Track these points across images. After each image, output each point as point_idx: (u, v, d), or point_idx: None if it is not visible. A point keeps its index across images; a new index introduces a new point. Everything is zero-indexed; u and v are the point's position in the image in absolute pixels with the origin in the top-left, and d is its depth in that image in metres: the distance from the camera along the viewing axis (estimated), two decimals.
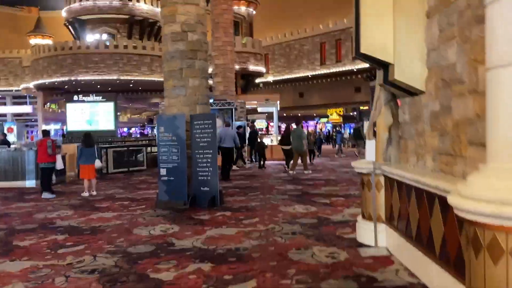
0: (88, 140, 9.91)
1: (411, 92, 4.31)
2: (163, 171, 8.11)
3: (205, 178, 7.94)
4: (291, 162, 13.52)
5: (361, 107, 32.54)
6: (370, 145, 4.73)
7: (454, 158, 3.45)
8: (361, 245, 5.03)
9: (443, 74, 3.63)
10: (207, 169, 7.93)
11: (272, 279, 3.98)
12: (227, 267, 4.34)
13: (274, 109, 19.75)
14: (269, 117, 29.85)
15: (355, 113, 38.18)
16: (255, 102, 19.26)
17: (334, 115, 39.49)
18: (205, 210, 7.46)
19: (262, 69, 23.35)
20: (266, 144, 16.25)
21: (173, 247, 5.18)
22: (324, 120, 42.20)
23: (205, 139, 7.97)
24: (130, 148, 15.28)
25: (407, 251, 4.16)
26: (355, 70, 26.04)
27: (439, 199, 3.37)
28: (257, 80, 28.53)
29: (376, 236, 4.78)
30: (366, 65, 25.02)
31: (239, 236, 5.62)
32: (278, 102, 19.19)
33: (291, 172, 13.12)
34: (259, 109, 20.48)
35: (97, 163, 9.90)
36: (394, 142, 5.01)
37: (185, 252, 4.94)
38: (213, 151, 7.91)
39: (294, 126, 16.05)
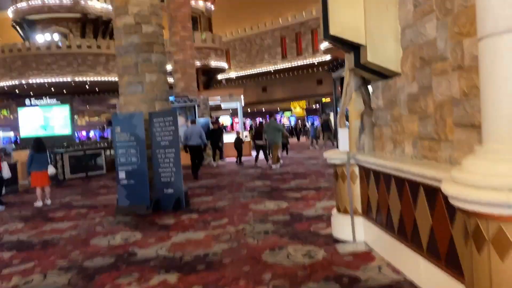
0: (38, 145, 9.13)
1: (384, 75, 4.02)
2: (122, 175, 7.53)
3: (168, 179, 7.44)
4: (270, 156, 13.51)
5: (324, 99, 32.66)
6: (342, 134, 4.42)
7: (437, 142, 3.18)
8: (338, 240, 4.73)
9: (421, 52, 3.35)
10: (169, 170, 7.43)
11: (245, 287, 3.59)
12: (195, 277, 3.92)
13: (238, 105, 19.32)
14: (233, 113, 29.44)
15: (317, 105, 38.38)
16: (218, 97, 18.76)
17: (298, 108, 39.57)
18: (169, 214, 6.97)
19: (223, 64, 22.87)
20: (243, 140, 15.96)
21: (135, 258, 4.69)
22: (288, 114, 42.22)
23: (166, 138, 7.46)
24: (88, 152, 14.44)
25: (389, 245, 3.88)
26: (316, 63, 26.02)
27: (424, 188, 3.08)
28: (219, 76, 28.02)
29: (354, 231, 4.49)
30: (327, 58, 25.09)
31: (207, 240, 5.19)
32: (242, 97, 18.78)
33: (274, 166, 13.00)
34: (223, 105, 19.99)
35: (50, 170, 9.15)
36: (367, 129, 4.73)
37: (149, 263, 4.46)
38: (175, 150, 7.41)
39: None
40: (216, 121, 16.70)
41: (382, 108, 4.23)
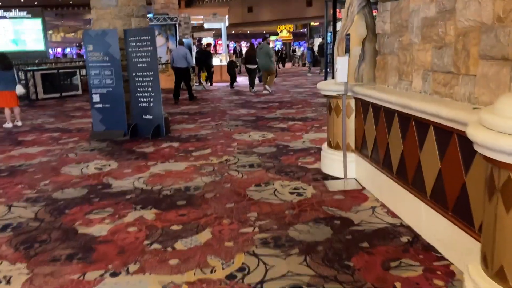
0: (3, 61, 8.34)
1: None
2: (96, 97, 6.97)
3: (147, 104, 6.92)
4: (265, 81, 13.23)
5: (312, 23, 31.32)
6: (342, 63, 3.93)
7: (455, 77, 2.76)
8: (328, 176, 4.46)
9: None
10: (148, 94, 6.88)
11: (229, 227, 3.31)
12: (175, 214, 3.62)
13: (222, 25, 18.20)
14: (216, 35, 28.01)
15: (305, 30, 36.92)
16: (201, 17, 17.56)
17: (284, 32, 38.04)
18: (148, 142, 6.57)
19: None
20: (237, 64, 15.53)
21: (110, 190, 4.35)
22: (274, 38, 40.62)
23: (143, 59, 6.81)
24: (62, 70, 13.54)
25: (384, 186, 3.60)
26: None
27: (435, 128, 2.71)
28: None
29: (346, 167, 4.20)
30: None
31: (189, 172, 4.86)
32: (227, 17, 17.63)
33: (265, 91, 12.79)
34: (206, 26, 18.81)
35: (19, 89, 8.46)
36: (368, 58, 4.25)
37: (124, 196, 4.13)
38: (154, 73, 6.81)
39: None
40: (207, 44, 15.85)
41: (389, 33, 3.72)
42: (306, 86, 14.66)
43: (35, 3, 27.99)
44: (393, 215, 3.40)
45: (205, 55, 14.89)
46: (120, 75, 6.85)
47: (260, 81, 14.34)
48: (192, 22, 18.06)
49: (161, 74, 15.77)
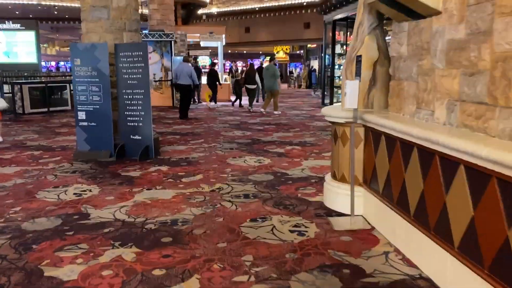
0: None
1: (416, 13, 3.10)
2: (81, 115, 6.52)
3: (136, 124, 6.48)
4: (264, 101, 13.41)
5: (309, 45, 31.32)
6: (351, 87, 3.54)
7: (491, 109, 2.36)
8: (332, 212, 4.02)
9: None
10: (137, 113, 6.45)
11: (221, 274, 2.83)
12: (158, 255, 3.13)
13: (219, 44, 17.95)
14: (212, 54, 27.82)
15: (301, 51, 36.98)
16: (198, 35, 17.30)
17: (281, 53, 38.07)
18: (136, 164, 6.10)
19: None
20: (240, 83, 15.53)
21: (87, 221, 3.86)
22: (268, 58, 40.61)
23: (134, 76, 6.40)
24: (51, 84, 13.08)
25: (399, 228, 3.17)
26: (305, 3, 24.41)
27: (468, 169, 2.30)
28: (200, 12, 26.12)
29: (353, 203, 3.76)
30: None
31: (177, 201, 4.39)
32: (224, 36, 17.39)
33: (263, 110, 12.85)
34: (202, 44, 18.56)
35: (1, 103, 8.00)
36: (379, 83, 3.87)
37: (102, 229, 3.65)
38: (145, 90, 6.39)
39: (256, 63, 15.17)
40: (213, 63, 15.87)
41: (406, 57, 3.35)
42: (303, 108, 14.33)
43: (30, 15, 27.71)
44: (410, 263, 2.95)
45: (211, 74, 14.95)
46: (108, 92, 6.42)
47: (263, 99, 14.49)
48: (188, 40, 17.81)
49: (155, 92, 15.48)
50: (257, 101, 15.73)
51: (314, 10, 24.77)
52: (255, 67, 17.51)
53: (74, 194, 4.69)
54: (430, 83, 2.98)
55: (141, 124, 6.45)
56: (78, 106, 6.52)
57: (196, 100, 16.47)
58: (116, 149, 6.41)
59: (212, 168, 5.84)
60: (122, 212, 4.08)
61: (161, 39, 14.37)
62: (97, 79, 6.40)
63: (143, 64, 6.33)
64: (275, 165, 6.01)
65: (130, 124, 6.51)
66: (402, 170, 3.10)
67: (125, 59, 6.42)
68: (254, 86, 13.55)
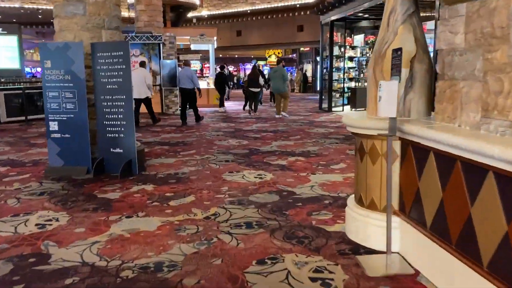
0: None
1: None
2: (53, 125, 5.63)
3: (116, 135, 5.61)
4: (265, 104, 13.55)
5: (302, 48, 30.61)
6: (388, 90, 2.72)
7: None
8: (358, 247, 3.18)
9: None
10: (118, 123, 5.58)
11: None
12: None
13: (210, 47, 17.11)
14: (203, 58, 26.95)
15: (294, 55, 36.29)
16: (188, 37, 16.44)
17: (273, 57, 37.32)
18: (116, 182, 5.22)
19: (195, 0, 20.25)
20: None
21: (46, 266, 2.98)
22: (262, 62, 39.89)
23: (114, 80, 5.54)
24: (30, 91, 12.12)
25: (462, 279, 2.34)
26: (298, 5, 23.69)
27: None
28: (190, 15, 25.28)
29: (390, 240, 2.93)
30: (311, 0, 22.81)
31: (163, 234, 3.52)
32: (215, 38, 16.56)
33: (280, 115, 12.46)
34: (193, 47, 17.70)
35: None
36: (417, 84, 3.07)
37: (64, 280, 2.77)
38: (126, 96, 5.53)
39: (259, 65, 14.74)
40: (221, 67, 15.61)
41: (464, 49, 2.53)
42: (300, 113, 13.54)
43: (14, 20, 26.66)
44: None
45: (220, 78, 14.86)
46: (84, 99, 5.55)
47: (261, 103, 14.49)
48: (178, 43, 16.97)
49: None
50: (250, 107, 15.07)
51: (308, 12, 24.07)
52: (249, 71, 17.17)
53: (36, 225, 3.79)
54: (509, 83, 2.17)
55: (122, 135, 5.57)
56: (49, 115, 5.63)
57: (187, 107, 15.57)
58: (93, 165, 5.53)
59: (205, 186, 4.98)
60: (92, 251, 3.20)
61: (148, 41, 13.49)
62: (71, 84, 5.52)
63: (124, 66, 5.47)
64: (278, 181, 5.17)
65: (109, 135, 5.63)
66: (467, 202, 2.28)
67: (103, 61, 5.55)
68: (257, 90, 13.39)
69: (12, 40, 23.04)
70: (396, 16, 3.11)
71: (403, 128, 2.87)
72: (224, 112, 14.75)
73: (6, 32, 23.01)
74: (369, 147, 3.18)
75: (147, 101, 10.83)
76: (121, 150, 5.59)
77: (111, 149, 5.64)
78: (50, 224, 3.79)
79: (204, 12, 27.04)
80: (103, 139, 5.68)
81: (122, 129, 5.56)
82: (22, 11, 24.64)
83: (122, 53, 5.46)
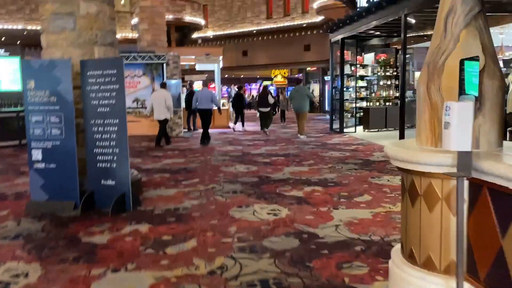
0: None
1: None
2: (36, 154, 4.93)
3: (108, 165, 4.89)
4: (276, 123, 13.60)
5: (309, 68, 30.12)
6: (460, 114, 1.99)
7: None
8: None
9: None
10: (110, 151, 4.87)
11: None
12: None
13: (215, 67, 16.58)
14: (209, 79, 26.45)
15: (300, 75, 35.83)
16: (193, 57, 15.93)
17: (279, 77, 36.92)
18: (106, 220, 4.47)
19: (200, 20, 19.91)
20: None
21: None
22: (268, 82, 39.44)
23: (106, 102, 4.86)
24: (22, 114, 11.46)
25: None
26: (305, 25, 23.27)
27: None
28: (195, 35, 24.95)
29: None
30: (318, 19, 22.40)
31: None
32: (221, 57, 16.04)
33: (302, 136, 12.06)
34: (198, 67, 17.18)
35: None
36: (488, 105, 2.33)
37: None
38: (120, 120, 4.83)
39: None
40: (239, 87, 15.74)
41: None
42: (310, 135, 12.81)
43: (18, 42, 26.49)
44: None
45: (238, 99, 15.06)
46: (72, 124, 4.86)
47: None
48: (183, 63, 16.49)
49: (144, 120, 13.98)
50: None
51: (315, 32, 23.67)
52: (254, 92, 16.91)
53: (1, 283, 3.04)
54: None
55: (114, 165, 4.86)
56: (32, 143, 4.94)
57: (192, 128, 14.95)
58: (82, 199, 4.80)
59: (210, 226, 4.22)
60: None
61: (151, 61, 12.94)
62: (57, 107, 4.85)
63: (117, 86, 4.79)
64: (296, 218, 4.40)
65: (100, 165, 4.92)
66: None
67: (93, 80, 4.89)
68: (267, 109, 13.23)
69: (14, 62, 22.79)
70: (457, 19, 2.40)
71: (479, 166, 2.12)
72: (240, 131, 14.58)
73: (8, 53, 22.78)
74: (424, 188, 2.42)
75: (163, 123, 10.75)
76: (113, 182, 4.87)
77: (102, 181, 4.91)
78: (16, 282, 3.03)
79: (210, 33, 26.73)
80: (93, 169, 4.97)
81: (115, 158, 4.85)
82: (25, 33, 24.43)
83: (115, 71, 4.79)
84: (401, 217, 2.71)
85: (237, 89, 15.74)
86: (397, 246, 2.81)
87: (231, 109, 18.74)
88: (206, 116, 11.07)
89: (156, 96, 10.63)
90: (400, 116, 9.14)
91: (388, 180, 6.20)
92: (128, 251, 3.59)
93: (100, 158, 4.91)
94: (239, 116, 15.12)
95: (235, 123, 15.29)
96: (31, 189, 5.00)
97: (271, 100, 13.32)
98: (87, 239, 3.91)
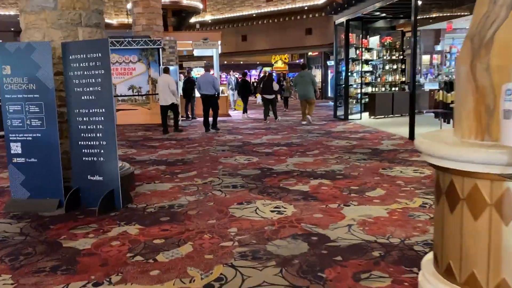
0: None
1: None
2: (15, 147, 4.47)
3: (95, 159, 4.43)
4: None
5: (310, 53, 29.43)
6: None
7: None
8: None
9: None
10: (97, 143, 4.41)
11: None
12: None
13: (214, 52, 16.00)
14: (207, 65, 25.81)
15: (301, 60, 35.13)
16: (190, 42, 15.34)
17: (279, 63, 36.23)
18: (93, 220, 4.04)
19: (198, 4, 19.19)
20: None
21: None
22: (268, 69, 38.74)
23: (91, 88, 4.37)
24: None
25: None
26: (306, 7, 22.55)
27: None
28: (193, 20, 24.25)
29: None
30: (320, 1, 21.69)
31: None
32: (219, 42, 15.45)
33: (305, 121, 11.92)
34: (196, 52, 16.60)
35: None
36: None
37: None
38: (106, 109, 4.35)
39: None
40: (243, 74, 15.57)
41: None
42: (314, 123, 12.31)
43: (12, 29, 25.81)
44: None
45: (244, 85, 14.89)
46: (54, 113, 4.39)
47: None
48: (181, 49, 15.92)
49: (142, 108, 13.49)
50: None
51: (317, 15, 22.97)
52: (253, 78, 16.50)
53: None
54: None
55: (102, 158, 4.40)
56: (10, 135, 4.47)
57: (190, 116, 14.47)
58: (66, 197, 4.35)
59: (207, 226, 3.78)
60: None
61: (146, 46, 12.39)
62: (37, 95, 4.36)
63: (103, 71, 4.30)
64: (303, 217, 3.95)
65: (86, 158, 4.46)
66: None
67: (77, 64, 4.40)
68: (272, 96, 12.82)
69: None
70: None
71: None
72: (246, 118, 14.48)
73: (1, 41, 22.14)
74: (467, 191, 1.96)
75: (174, 108, 10.73)
76: (101, 178, 4.41)
77: (89, 177, 4.46)
78: None
79: (208, 17, 26.01)
80: (78, 163, 4.51)
81: (102, 151, 4.39)
82: (18, 19, 23.77)
83: (100, 54, 4.29)
84: (435, 223, 2.26)
85: (241, 76, 15.64)
86: (428, 257, 2.37)
87: (231, 97, 18.24)
88: (210, 103, 10.65)
89: (159, 82, 10.67)
90: (410, 102, 8.64)
91: (401, 172, 5.74)
92: (114, 258, 3.15)
93: (86, 151, 4.44)
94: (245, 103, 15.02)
95: (244, 112, 15.08)
96: (11, 186, 4.54)
97: (275, 86, 12.87)
98: (69, 244, 3.47)
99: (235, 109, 17.35)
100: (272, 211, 4.16)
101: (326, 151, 7.53)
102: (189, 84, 13.57)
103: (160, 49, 12.58)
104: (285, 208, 4.26)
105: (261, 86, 13.71)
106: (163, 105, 10.63)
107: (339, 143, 8.40)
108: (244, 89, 14.93)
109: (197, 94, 13.56)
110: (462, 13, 12.59)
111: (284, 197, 4.66)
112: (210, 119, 10.84)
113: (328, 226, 3.71)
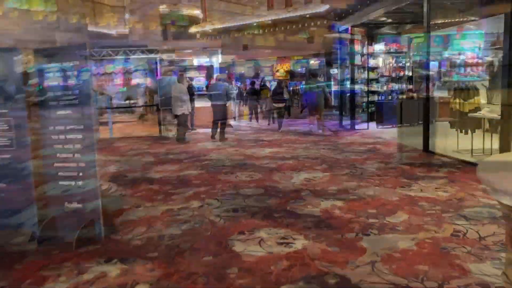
0: None
1: None
2: None
3: (73, 183, 3.83)
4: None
5: (312, 61, 28.90)
6: None
7: None
8: None
9: None
10: (75, 165, 3.80)
11: None
12: None
13: (214, 62, 15.46)
14: (207, 76, 25.31)
15: (303, 69, 34.65)
16: (189, 51, 14.82)
17: (281, 71, 35.74)
18: (67, 257, 3.42)
19: (197, 13, 18.75)
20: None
21: None
22: (269, 78, 38.28)
23: (67, 101, 3.79)
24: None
25: None
26: (308, 15, 22.05)
27: None
28: (193, 30, 23.79)
29: None
30: (322, 9, 21.20)
31: None
32: (220, 51, 14.94)
33: (320, 131, 11.29)
34: (196, 62, 16.06)
35: None
36: None
37: None
38: (86, 125, 3.76)
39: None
40: (252, 82, 15.57)
41: None
42: (319, 134, 11.67)
43: None
44: None
45: (253, 93, 14.89)
46: (25, 131, 3.80)
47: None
48: (181, 58, 15.43)
49: (139, 121, 12.96)
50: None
51: (318, 23, 22.47)
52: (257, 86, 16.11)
53: None
54: None
55: (80, 182, 3.79)
56: None
57: (190, 127, 13.87)
58: (40, 228, 3.74)
59: (202, 266, 3.15)
60: None
61: (143, 56, 11.85)
62: (5, 110, 3.78)
63: (81, 81, 3.72)
64: (316, 252, 3.33)
65: (62, 182, 3.85)
66: None
67: (52, 74, 3.81)
68: (282, 104, 12.49)
69: None
70: None
71: None
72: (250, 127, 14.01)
73: None
74: None
75: (181, 118, 10.38)
76: (80, 205, 3.80)
77: (66, 204, 3.85)
78: None
79: (208, 27, 25.56)
80: (53, 189, 3.90)
81: (81, 174, 3.78)
82: None
83: (77, 62, 3.71)
84: (508, 275, 1.63)
85: (250, 83, 15.61)
86: None
87: (233, 107, 17.67)
88: (223, 112, 10.43)
89: (173, 91, 10.41)
90: (424, 110, 8.03)
91: (421, 190, 5.11)
92: None
93: (61, 174, 3.84)
94: (253, 111, 14.79)
95: (250, 119, 14.88)
96: None
97: (286, 95, 12.51)
98: (39, 285, 2.86)
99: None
100: (279, 244, 3.54)
101: (335, 165, 6.90)
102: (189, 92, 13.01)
103: (158, 59, 12.05)
104: (294, 238, 3.64)
105: (271, 94, 13.44)
106: (176, 114, 10.35)
107: (347, 156, 7.77)
108: (252, 97, 14.83)
109: (196, 104, 13.04)
110: (471, 18, 12.05)
111: (292, 223, 4.03)
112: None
113: (347, 263, 3.08)
